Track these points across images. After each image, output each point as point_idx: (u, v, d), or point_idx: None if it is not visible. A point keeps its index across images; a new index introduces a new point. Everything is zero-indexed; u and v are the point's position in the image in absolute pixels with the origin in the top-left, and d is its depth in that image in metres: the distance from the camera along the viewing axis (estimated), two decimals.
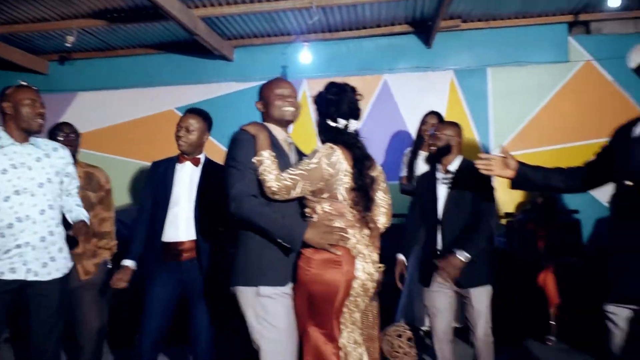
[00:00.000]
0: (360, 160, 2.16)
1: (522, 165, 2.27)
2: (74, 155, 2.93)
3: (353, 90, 2.27)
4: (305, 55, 5.05)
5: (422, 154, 3.84)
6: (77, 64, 5.58)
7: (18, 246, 2.36)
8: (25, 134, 2.46)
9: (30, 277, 2.38)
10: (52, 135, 3.00)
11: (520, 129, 5.07)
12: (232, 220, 2.14)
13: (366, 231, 2.16)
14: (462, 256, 2.63)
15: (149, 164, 3.10)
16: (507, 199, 4.81)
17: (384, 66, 5.27)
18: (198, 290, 2.73)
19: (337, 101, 2.19)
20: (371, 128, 5.13)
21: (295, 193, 2.06)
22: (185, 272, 2.72)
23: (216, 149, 5.32)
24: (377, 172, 2.26)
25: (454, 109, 5.15)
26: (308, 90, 5.33)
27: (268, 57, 5.41)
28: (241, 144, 2.12)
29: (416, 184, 3.13)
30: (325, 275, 2.02)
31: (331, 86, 2.25)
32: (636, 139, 2.03)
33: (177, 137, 2.82)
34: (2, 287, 2.34)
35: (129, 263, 2.77)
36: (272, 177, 2.03)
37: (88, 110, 5.53)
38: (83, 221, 2.55)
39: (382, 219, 2.29)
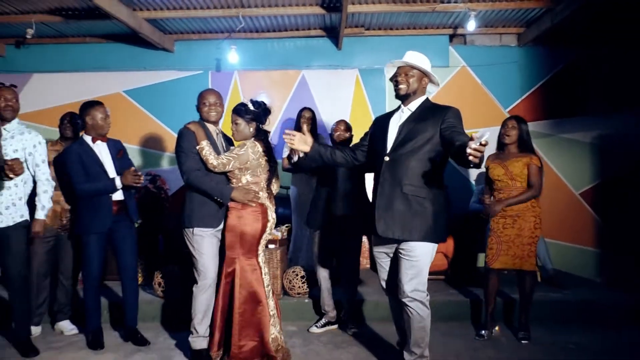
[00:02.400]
0: (270, 150, 3.32)
1: (316, 144, 3.07)
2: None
3: (269, 108, 3.37)
4: (234, 52, 5.98)
5: None
6: (32, 48, 6.28)
7: None
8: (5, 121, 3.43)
9: None
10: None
11: None
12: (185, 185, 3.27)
13: (268, 193, 3.34)
14: None
15: None
16: None
17: (302, 63, 6.31)
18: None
19: (266, 114, 3.33)
20: (291, 113, 6.20)
21: (228, 168, 3.20)
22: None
23: (155, 126, 6.27)
24: (274, 156, 3.40)
25: (358, 101, 6.29)
26: (239, 81, 6.31)
27: (204, 51, 6.31)
28: (185, 137, 3.29)
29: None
30: (252, 221, 3.21)
31: (263, 103, 3.34)
32: (386, 127, 2.96)
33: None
34: None
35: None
36: (213, 157, 3.19)
37: (42, 90, 6.27)
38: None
39: (274, 186, 3.45)
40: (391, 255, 3.00)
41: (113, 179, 3.55)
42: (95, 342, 3.57)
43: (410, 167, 2.77)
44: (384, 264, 3.04)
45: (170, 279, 4.47)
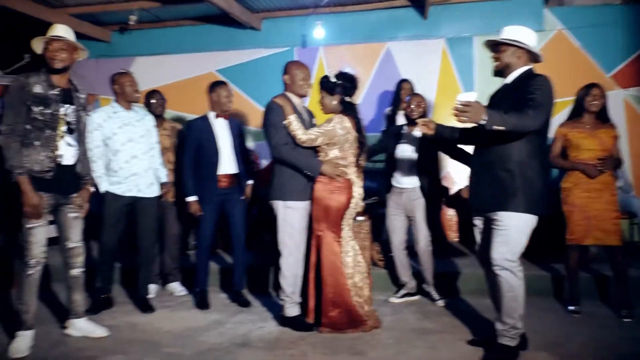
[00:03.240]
0: (359, 125, 3.37)
1: (438, 125, 3.18)
2: (161, 115, 4.29)
3: (356, 78, 3.41)
4: (320, 27, 6.06)
5: (400, 113, 4.95)
6: (134, 33, 6.76)
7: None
8: (129, 104, 3.80)
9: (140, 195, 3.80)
10: (147, 100, 4.33)
11: None
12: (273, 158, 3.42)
13: (356, 168, 3.40)
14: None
15: (194, 116, 4.26)
16: None
17: (386, 35, 6.27)
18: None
19: (351, 86, 3.37)
20: (376, 87, 6.24)
21: (316, 143, 3.28)
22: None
23: (245, 103, 6.54)
24: (364, 131, 3.46)
25: (445, 72, 6.16)
26: (324, 57, 6.41)
27: (290, 27, 6.46)
28: (274, 111, 3.36)
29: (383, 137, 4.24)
30: (337, 195, 3.30)
31: (345, 74, 3.38)
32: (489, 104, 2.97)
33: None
34: (123, 202, 3.77)
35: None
36: (301, 132, 3.26)
37: (144, 72, 6.70)
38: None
39: (362, 161, 3.50)
40: (484, 225, 3.00)
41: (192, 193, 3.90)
42: (202, 302, 3.92)
43: (499, 139, 2.75)
44: (478, 234, 3.06)
45: (265, 247, 4.76)
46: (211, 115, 3.97)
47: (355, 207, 3.42)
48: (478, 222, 3.04)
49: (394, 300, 4.07)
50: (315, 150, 3.37)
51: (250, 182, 4.14)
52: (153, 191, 3.87)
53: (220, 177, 3.89)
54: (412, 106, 3.95)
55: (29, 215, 2.90)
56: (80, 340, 3.19)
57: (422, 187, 3.90)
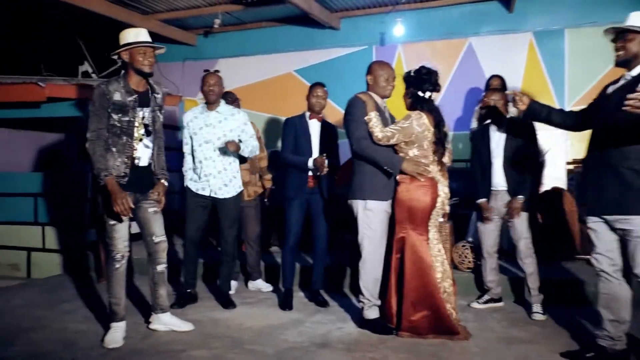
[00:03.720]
0: (438, 121, 3.26)
1: (533, 102, 3.02)
2: None
3: (436, 72, 3.30)
4: (400, 25, 5.96)
5: None
6: (217, 36, 6.99)
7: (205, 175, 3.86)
8: (211, 104, 3.89)
9: (213, 195, 3.88)
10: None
11: (592, 85, 5.55)
12: (353, 155, 3.35)
13: (440, 166, 3.29)
14: (519, 198, 3.61)
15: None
16: (579, 147, 5.52)
17: (468, 30, 6.05)
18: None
19: (427, 80, 3.25)
20: (457, 86, 6.03)
21: (392, 141, 3.20)
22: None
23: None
24: (446, 128, 3.34)
25: (532, 68, 5.85)
26: (403, 54, 6.29)
27: (368, 26, 6.40)
28: (356, 105, 3.32)
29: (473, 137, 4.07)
30: (421, 195, 3.20)
31: (422, 68, 3.29)
32: (606, 95, 2.80)
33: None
34: (200, 199, 3.87)
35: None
36: (378, 129, 3.20)
37: (227, 73, 6.88)
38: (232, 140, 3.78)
39: (446, 159, 3.39)
40: (607, 229, 2.77)
41: (307, 160, 3.85)
42: (285, 303, 3.94)
43: (622, 139, 2.57)
44: (596, 239, 2.82)
45: (344, 247, 4.74)
46: (307, 115, 4.02)
47: (442, 207, 3.30)
48: (596, 226, 2.81)
49: (477, 305, 3.91)
50: (394, 150, 3.29)
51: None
52: (225, 193, 3.90)
53: (309, 177, 3.92)
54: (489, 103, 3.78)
55: (120, 213, 3.01)
56: (167, 334, 3.32)
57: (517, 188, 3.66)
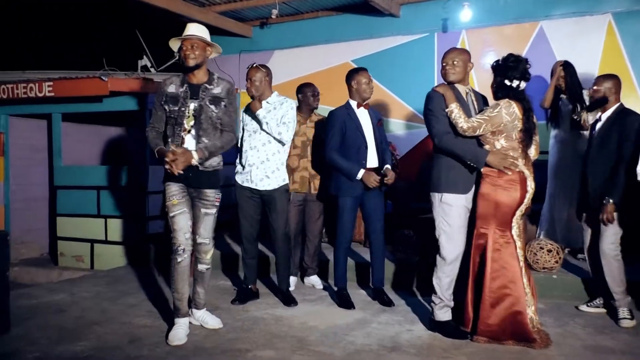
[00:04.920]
0: (528, 111, 3.01)
1: None
2: (315, 109, 4.30)
3: (526, 60, 3.05)
4: (467, 9, 5.65)
5: (563, 97, 4.40)
6: (273, 27, 6.91)
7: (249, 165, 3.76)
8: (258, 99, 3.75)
9: (255, 187, 3.77)
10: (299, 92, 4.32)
11: None
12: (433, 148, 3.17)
13: (526, 160, 3.04)
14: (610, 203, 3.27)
15: (330, 107, 4.12)
16: None
17: (540, 13, 5.66)
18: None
19: (515, 67, 3.01)
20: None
21: (479, 132, 2.98)
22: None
23: (382, 93, 6.33)
24: (535, 118, 3.08)
25: (610, 52, 5.41)
26: (467, 41, 5.97)
27: (430, 12, 6.12)
28: (433, 99, 3.14)
29: None
30: (510, 190, 2.97)
31: (510, 56, 3.04)
32: None
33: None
34: (247, 191, 3.80)
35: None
36: (462, 120, 2.99)
37: (283, 64, 6.86)
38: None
39: (533, 151, 3.13)
40: None
41: (357, 171, 3.65)
42: (346, 302, 3.77)
43: None
44: None
45: (406, 243, 4.53)
46: (353, 104, 3.82)
47: (528, 203, 3.05)
48: None
49: (585, 309, 3.62)
50: (479, 141, 3.07)
51: (387, 166, 3.81)
52: (266, 185, 3.75)
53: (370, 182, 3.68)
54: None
55: (172, 167, 2.97)
56: (232, 331, 3.25)
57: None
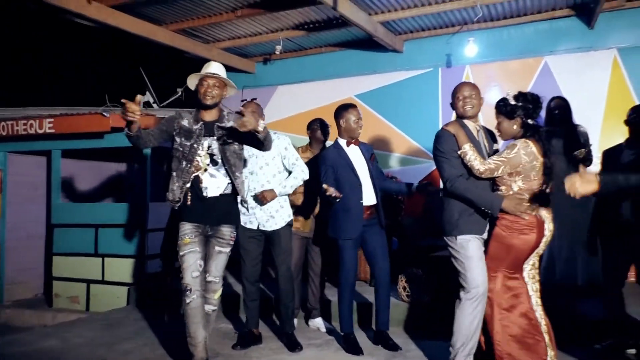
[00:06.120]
0: (547, 150, 2.86)
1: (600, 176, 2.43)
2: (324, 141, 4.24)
3: (540, 98, 2.92)
4: (472, 44, 5.63)
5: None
6: (277, 63, 6.90)
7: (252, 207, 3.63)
8: None
9: (260, 228, 3.63)
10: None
11: None
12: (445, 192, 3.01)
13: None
14: None
15: (332, 142, 4.03)
16: None
17: (544, 49, 5.64)
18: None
19: (538, 106, 2.89)
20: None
21: (497, 174, 2.84)
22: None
23: (385, 128, 6.26)
24: (552, 157, 2.95)
25: (616, 87, 5.36)
26: (471, 75, 5.95)
27: (434, 47, 6.11)
28: (444, 139, 2.98)
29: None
30: (526, 235, 2.81)
31: (527, 94, 2.89)
32: None
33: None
34: (250, 232, 3.66)
35: None
36: (478, 162, 2.84)
37: (286, 100, 6.83)
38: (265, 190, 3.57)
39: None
40: None
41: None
42: (354, 348, 3.57)
43: None
44: None
45: (415, 282, 4.35)
46: (342, 142, 3.69)
47: (544, 247, 2.88)
48: None
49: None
50: (494, 182, 2.94)
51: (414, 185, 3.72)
52: (273, 224, 3.64)
53: (364, 208, 3.58)
54: None
55: (126, 114, 2.83)
56: None
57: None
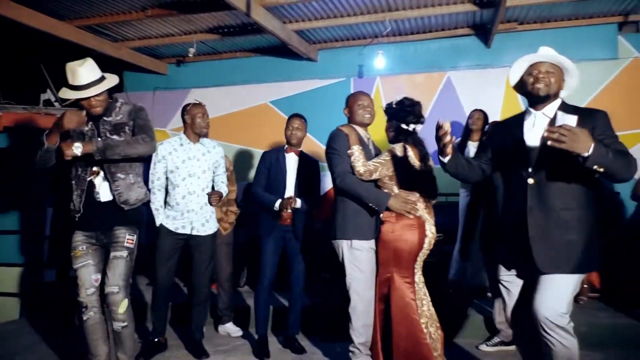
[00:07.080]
0: (424, 155, 3.05)
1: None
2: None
3: (419, 103, 3.12)
4: (381, 57, 5.88)
5: (471, 144, 4.64)
6: (190, 66, 6.77)
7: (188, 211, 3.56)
8: (197, 136, 3.65)
9: (195, 232, 3.58)
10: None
11: None
12: (335, 191, 3.11)
13: (426, 204, 3.06)
14: None
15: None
16: None
17: (447, 64, 6.02)
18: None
19: (411, 112, 3.06)
20: (435, 118, 5.91)
21: (375, 176, 2.97)
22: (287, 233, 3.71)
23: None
24: (431, 162, 3.15)
25: (509, 102, 5.82)
26: (381, 87, 6.21)
27: (347, 58, 6.30)
28: (338, 138, 3.08)
29: None
30: (408, 235, 2.94)
31: (405, 100, 3.10)
32: None
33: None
34: (177, 238, 3.55)
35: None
36: (360, 163, 2.97)
37: None
38: (217, 191, 3.67)
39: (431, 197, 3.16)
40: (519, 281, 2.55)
41: (274, 201, 3.63)
42: (262, 351, 3.62)
43: (563, 188, 2.32)
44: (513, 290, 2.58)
45: (325, 286, 4.47)
46: (285, 148, 3.80)
47: (428, 248, 3.06)
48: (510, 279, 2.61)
49: (486, 348, 3.68)
50: (377, 185, 3.06)
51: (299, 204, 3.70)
52: (207, 229, 3.65)
53: (283, 214, 3.65)
54: None
55: (63, 123, 2.64)
56: None
57: None
